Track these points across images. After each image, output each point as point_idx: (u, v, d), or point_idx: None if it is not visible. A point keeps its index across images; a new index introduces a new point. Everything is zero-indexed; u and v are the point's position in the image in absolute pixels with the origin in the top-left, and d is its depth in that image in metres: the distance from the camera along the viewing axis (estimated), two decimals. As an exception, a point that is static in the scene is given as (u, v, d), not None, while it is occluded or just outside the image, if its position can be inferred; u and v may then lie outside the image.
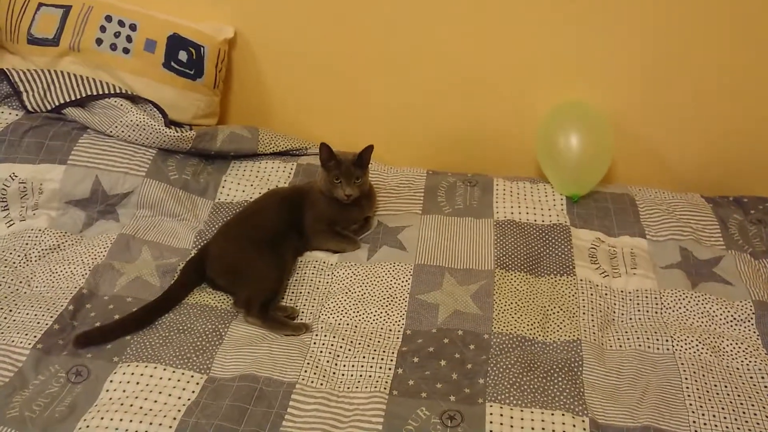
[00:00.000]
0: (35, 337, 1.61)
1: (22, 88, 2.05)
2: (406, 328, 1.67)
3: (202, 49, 2.16)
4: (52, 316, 1.66)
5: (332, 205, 1.91)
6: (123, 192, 1.99)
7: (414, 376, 1.54)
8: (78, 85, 2.06)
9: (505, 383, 1.50)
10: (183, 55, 2.13)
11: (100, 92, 2.06)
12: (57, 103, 2.04)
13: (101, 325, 1.66)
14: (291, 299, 1.78)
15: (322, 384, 1.53)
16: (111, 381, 1.51)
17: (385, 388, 1.50)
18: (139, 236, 1.93)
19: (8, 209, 1.96)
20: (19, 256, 1.85)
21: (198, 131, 2.10)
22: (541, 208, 2.01)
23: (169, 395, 1.49)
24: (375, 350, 1.60)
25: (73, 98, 2.04)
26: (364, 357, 1.59)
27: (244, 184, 2.10)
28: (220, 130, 2.17)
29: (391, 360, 1.58)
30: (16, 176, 1.95)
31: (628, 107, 2.18)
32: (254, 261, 1.77)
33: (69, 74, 2.08)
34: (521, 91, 2.22)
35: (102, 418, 1.42)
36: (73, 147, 2.00)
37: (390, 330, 1.67)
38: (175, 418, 1.43)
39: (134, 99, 2.08)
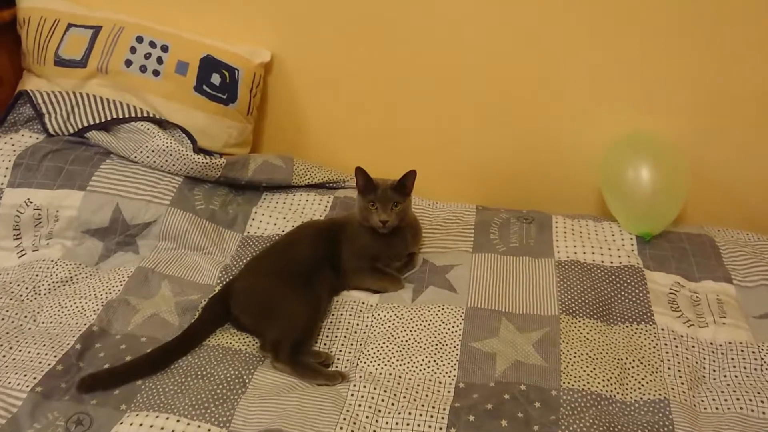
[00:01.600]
0: (35, 378, 1.41)
1: (44, 110, 1.92)
2: (458, 381, 1.43)
3: (236, 72, 2.02)
4: (56, 356, 1.47)
5: (373, 238, 1.71)
6: (145, 222, 1.82)
7: (470, 438, 1.30)
8: (103, 108, 1.93)
9: (581, 450, 1.25)
10: (216, 78, 1.99)
11: (126, 116, 1.93)
12: (80, 126, 1.91)
13: (110, 368, 1.46)
14: (325, 344, 1.56)
15: (360, 445, 1.30)
16: (116, 432, 1.30)
17: (436, 452, 1.27)
18: (159, 270, 1.74)
19: (21, 238, 1.80)
20: (27, 288, 1.68)
21: (228, 159, 1.94)
22: (609, 247, 1.78)
23: (182, 452, 1.27)
24: (423, 405, 1.37)
25: (97, 121, 1.91)
26: (410, 413, 1.35)
27: (276, 217, 1.91)
28: (252, 158, 2.01)
29: (443, 418, 1.34)
30: (31, 202, 1.80)
31: (697, 139, 1.97)
32: (285, 298, 1.56)
33: (94, 97, 1.95)
34: (580, 120, 2.02)
35: (102, 479, 1.21)
36: (94, 172, 1.85)
37: (440, 382, 1.43)
38: (186, 481, 1.21)
39: (162, 124, 1.94)
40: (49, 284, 1.69)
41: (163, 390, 1.40)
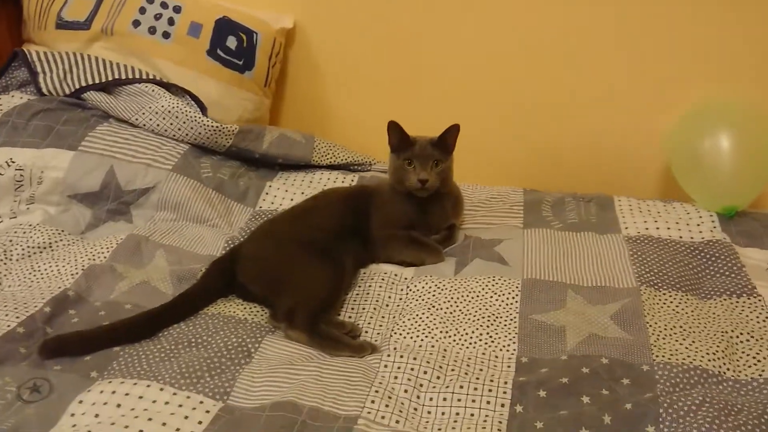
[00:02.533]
0: (-12, 339, 1.13)
1: (39, 69, 1.71)
2: (520, 355, 1.13)
3: (254, 35, 1.82)
4: (18, 318, 1.18)
5: (408, 204, 1.44)
6: (142, 187, 1.56)
7: (543, 416, 0.98)
8: (104, 69, 1.72)
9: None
10: (232, 42, 1.79)
11: (130, 77, 1.71)
12: (77, 87, 1.70)
13: (81, 331, 1.17)
14: (350, 317, 1.27)
15: (398, 421, 0.99)
16: (80, 402, 1.00)
17: (498, 430, 0.96)
18: (155, 239, 1.48)
19: (-2, 203, 1.55)
20: (-4, 252, 1.42)
21: (242, 127, 1.70)
22: (687, 224, 1.50)
23: (163, 424, 0.96)
24: (478, 379, 1.07)
25: (97, 82, 1.70)
26: (461, 387, 1.05)
27: (293, 192, 1.66)
28: (268, 130, 1.77)
29: (504, 393, 1.03)
30: (13, 162, 1.56)
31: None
32: (301, 263, 1.29)
33: (96, 58, 1.75)
34: (638, 97, 1.79)
35: (54, 450, 0.91)
36: (88, 133, 1.62)
37: (496, 357, 1.13)
38: (166, 456, 0.91)
39: (169, 88, 1.73)
40: (23, 249, 1.43)
41: (146, 357, 1.11)
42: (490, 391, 1.04)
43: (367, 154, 1.86)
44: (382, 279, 1.36)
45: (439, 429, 0.98)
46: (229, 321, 1.22)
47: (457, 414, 1.01)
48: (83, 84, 1.70)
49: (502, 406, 1.01)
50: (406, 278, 1.37)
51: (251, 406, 1.01)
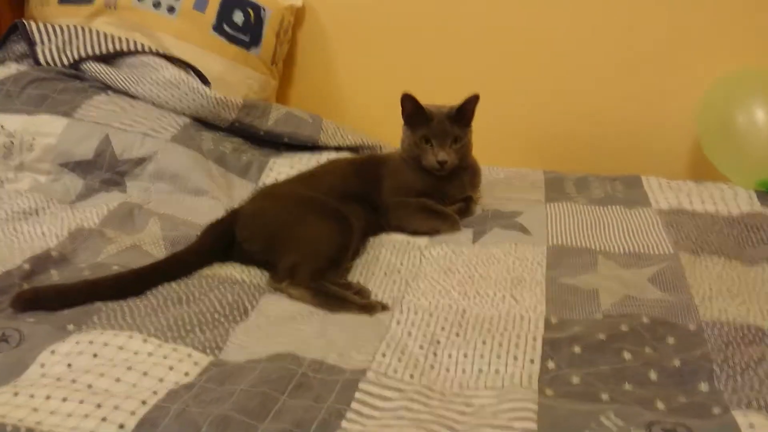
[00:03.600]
0: (-45, 292, 1.02)
1: (37, 39, 1.64)
2: (549, 315, 1.01)
3: (262, 11, 1.75)
4: (-8, 273, 1.09)
5: (421, 173, 1.34)
6: (138, 157, 1.47)
7: (579, 371, 0.86)
8: (105, 41, 1.65)
9: (754, 388, 0.81)
10: (239, 17, 1.72)
11: (132, 50, 1.64)
12: (76, 58, 1.62)
13: (60, 284, 1.06)
14: (357, 281, 1.15)
15: (412, 376, 0.86)
16: (52, 352, 0.88)
17: (528, 386, 0.83)
18: (150, 208, 1.37)
19: (-15, 173, 1.46)
20: (-22, 214, 1.32)
21: (246, 101, 1.62)
22: (722, 198, 1.39)
23: (145, 374, 0.84)
24: (502, 335, 0.94)
25: (96, 54, 1.63)
26: (484, 343, 0.93)
27: (299, 169, 1.55)
28: (274, 107, 1.68)
29: (533, 349, 0.91)
30: (3, 129, 1.47)
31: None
32: (305, 218, 1.18)
33: (96, 30, 1.67)
34: (661, 69, 1.70)
35: (15, 394, 0.79)
36: (84, 102, 1.54)
37: (522, 317, 1.01)
38: (144, 402, 0.78)
39: (172, 61, 1.65)
40: (6, 214, 1.32)
41: (130, 311, 1.00)
42: (516, 346, 0.91)
43: (378, 139, 1.77)
44: (394, 246, 1.25)
45: (459, 383, 0.86)
46: (225, 281, 1.11)
47: (480, 371, 0.88)
48: (83, 55, 1.63)
49: (532, 362, 0.89)
50: (419, 246, 1.25)
51: (246, 359, 0.90)
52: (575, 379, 0.84)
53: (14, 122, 1.48)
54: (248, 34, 1.75)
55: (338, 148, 1.69)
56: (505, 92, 1.79)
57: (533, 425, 0.75)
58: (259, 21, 1.75)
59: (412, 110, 1.33)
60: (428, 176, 1.35)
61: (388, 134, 1.70)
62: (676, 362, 0.87)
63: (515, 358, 0.90)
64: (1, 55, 1.68)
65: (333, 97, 1.91)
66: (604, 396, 0.81)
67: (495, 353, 0.91)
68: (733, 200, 1.38)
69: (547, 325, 0.98)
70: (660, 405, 0.79)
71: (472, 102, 1.34)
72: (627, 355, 0.88)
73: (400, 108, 1.35)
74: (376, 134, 1.79)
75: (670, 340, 0.92)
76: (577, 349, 0.90)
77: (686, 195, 1.41)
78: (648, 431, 0.73)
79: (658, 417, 0.76)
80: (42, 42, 1.65)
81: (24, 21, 1.68)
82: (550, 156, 1.79)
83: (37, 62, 1.63)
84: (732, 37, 1.65)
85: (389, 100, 1.53)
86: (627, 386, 0.83)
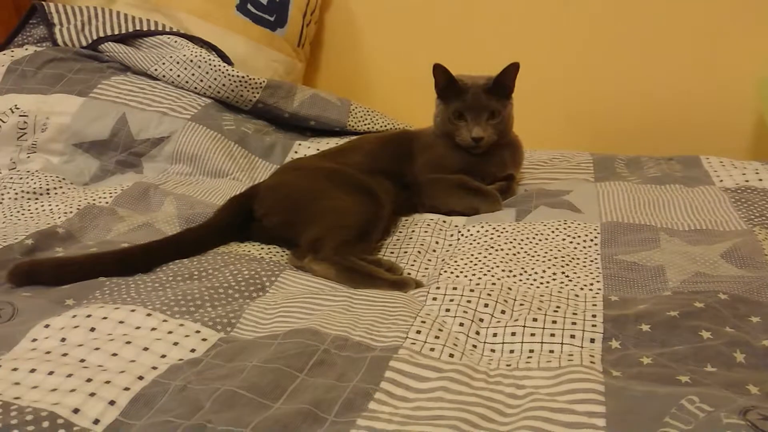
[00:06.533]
0: (-49, 264, 0.93)
1: (55, 20, 1.58)
2: (607, 294, 0.88)
3: (288, -11, 1.67)
4: (-8, 247, 1.00)
5: (456, 151, 1.23)
6: (155, 137, 1.39)
7: (650, 351, 0.73)
8: (125, 22, 1.58)
9: None
10: (264, -5, 1.65)
11: (151, 30, 1.57)
12: (94, 38, 1.56)
13: (61, 257, 0.97)
14: (390, 258, 1.04)
15: (452, 355, 0.74)
16: (46, 326, 0.78)
17: (590, 365, 0.70)
18: (166, 188, 1.28)
19: (-3, 154, 1.39)
20: (-15, 195, 1.25)
21: (270, 81, 1.53)
22: (796, 176, 1.25)
23: (145, 349, 0.74)
24: (556, 312, 0.82)
25: (115, 34, 1.56)
26: (535, 320, 0.80)
27: (323, 150, 1.46)
28: (300, 88, 1.59)
29: (594, 327, 0.78)
30: (17, 108, 1.41)
31: None
32: (329, 193, 1.07)
33: (115, 11, 1.61)
34: (716, 45, 1.56)
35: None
36: (101, 82, 1.47)
37: (576, 295, 0.88)
38: (141, 378, 0.68)
39: (193, 41, 1.57)
40: (15, 193, 1.25)
41: (136, 287, 0.90)
42: (574, 324, 0.79)
43: (409, 124, 1.66)
44: (428, 225, 1.13)
45: (508, 365, 0.73)
46: (242, 257, 1.00)
47: (531, 351, 0.76)
48: (101, 36, 1.56)
49: (592, 341, 0.76)
50: (456, 225, 1.13)
51: (260, 335, 0.79)
52: (646, 359, 0.71)
53: (28, 102, 1.42)
54: (273, 14, 1.66)
55: (367, 133, 1.59)
56: (544, 69, 1.67)
57: (599, 408, 0.62)
58: (285, 0, 1.66)
59: (445, 82, 1.22)
60: (465, 153, 1.23)
61: (421, 120, 1.59)
62: (766, 342, 0.73)
63: (572, 336, 0.77)
64: (20, 38, 1.63)
65: (362, 82, 1.81)
66: (684, 378, 0.67)
67: (548, 332, 0.78)
68: (808, 178, 1.24)
69: (607, 303, 0.85)
70: (753, 389, 0.66)
71: (511, 72, 1.22)
72: (706, 334, 0.75)
73: (433, 94, 1.24)
74: (408, 121, 1.69)
75: (755, 319, 0.78)
76: (645, 327, 0.77)
77: (754, 172, 1.26)
78: (743, 417, 0.60)
79: (752, 402, 0.63)
80: (60, 23, 1.59)
81: (42, 3, 1.62)
82: (595, 137, 1.66)
83: (55, 44, 1.58)
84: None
85: (421, 85, 1.43)
86: (710, 368, 0.70)
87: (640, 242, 1.01)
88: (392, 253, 1.06)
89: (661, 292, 0.87)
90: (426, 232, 1.11)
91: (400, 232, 1.12)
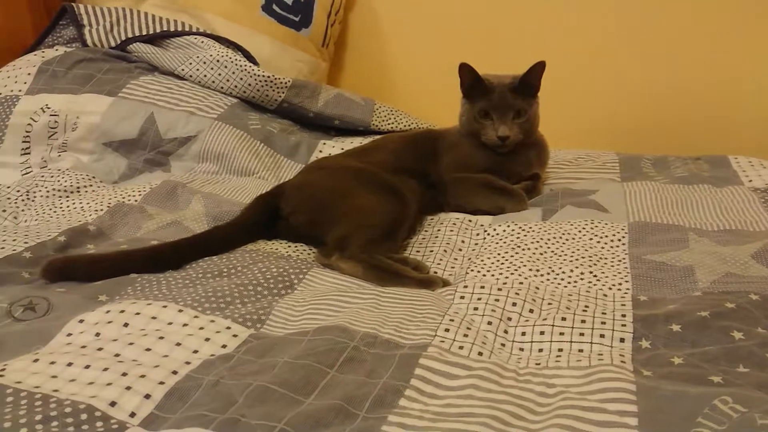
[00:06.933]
0: (-14, 260, 0.96)
1: (85, 22, 1.61)
2: (636, 293, 0.87)
3: (312, -11, 1.68)
4: (26, 243, 1.02)
5: (481, 150, 1.23)
6: (183, 136, 1.40)
7: (680, 351, 0.73)
8: (153, 23, 1.60)
9: None
10: (289, -4, 1.66)
11: (178, 30, 1.59)
12: (123, 39, 1.58)
13: (94, 254, 0.99)
14: (416, 257, 1.05)
15: (481, 354, 0.74)
16: (80, 321, 0.80)
17: (620, 365, 0.70)
18: (193, 186, 1.30)
19: (29, 152, 1.41)
20: (17, 191, 1.27)
21: (295, 81, 1.54)
22: (829, 176, 1.23)
23: (178, 344, 0.75)
24: (585, 311, 0.82)
25: (143, 35, 1.58)
26: (564, 320, 0.80)
27: (348, 149, 1.46)
28: (324, 88, 1.60)
29: (623, 326, 0.78)
30: (48, 108, 1.43)
31: None
32: (355, 191, 1.08)
33: (143, 12, 1.63)
34: (744, 40, 1.54)
35: (34, 361, 0.70)
36: (130, 82, 1.49)
37: (605, 295, 0.88)
38: (175, 372, 0.69)
39: (219, 41, 1.59)
40: (47, 191, 1.27)
41: (167, 283, 0.91)
42: (603, 323, 0.79)
43: (433, 123, 1.66)
44: (454, 224, 1.13)
45: (537, 364, 0.73)
46: (270, 255, 1.01)
47: (560, 350, 0.76)
48: (129, 36, 1.58)
49: (622, 341, 0.76)
50: (482, 224, 1.14)
51: (290, 332, 0.80)
52: (677, 359, 0.71)
53: (59, 101, 1.44)
54: (298, 14, 1.67)
55: (392, 133, 1.60)
56: (569, 68, 1.66)
57: (631, 407, 0.62)
58: (310, 0, 1.68)
59: (471, 81, 1.22)
60: (490, 152, 1.23)
61: (444, 120, 1.59)
62: (802, 344, 0.73)
63: (602, 336, 0.77)
64: (50, 39, 1.66)
65: (386, 83, 1.81)
66: (716, 378, 0.67)
67: (577, 331, 0.78)
68: (843, 178, 1.22)
69: (636, 302, 0.84)
70: (785, 389, 0.66)
71: (537, 70, 1.21)
72: (738, 335, 0.74)
73: (456, 93, 1.25)
74: (431, 120, 1.69)
75: (787, 320, 0.78)
76: (675, 328, 0.76)
77: (786, 173, 1.25)
78: (775, 418, 0.60)
79: (785, 403, 0.63)
80: (90, 24, 1.62)
81: (72, 4, 1.65)
82: (620, 137, 1.65)
83: (84, 44, 1.60)
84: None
85: (444, 84, 1.44)
86: (742, 368, 0.69)
87: (668, 242, 1.00)
88: (418, 252, 1.07)
89: (690, 292, 0.86)
90: (452, 231, 1.11)
91: (426, 231, 1.12)
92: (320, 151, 1.48)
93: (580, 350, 0.75)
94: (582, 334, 0.77)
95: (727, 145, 1.53)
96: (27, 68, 1.51)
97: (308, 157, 1.47)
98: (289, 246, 1.07)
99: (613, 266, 0.95)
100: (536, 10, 1.69)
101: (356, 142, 1.51)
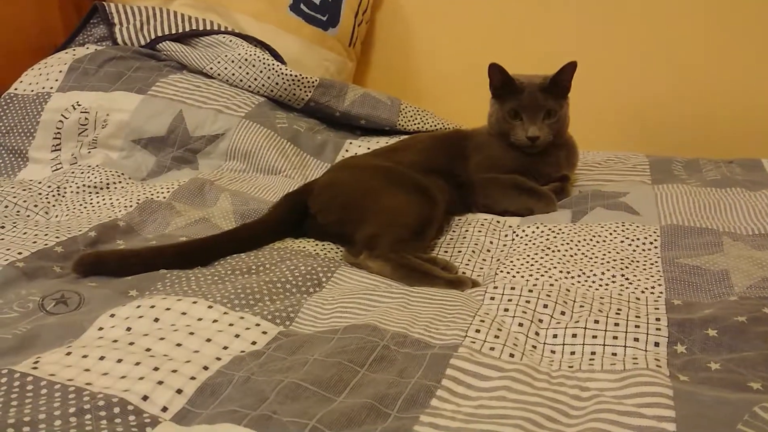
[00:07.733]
0: (20, 254, 0.96)
1: (116, 20, 1.63)
2: (670, 298, 0.86)
3: (340, -11, 1.68)
4: (58, 238, 1.03)
5: (510, 150, 1.22)
6: (211, 134, 1.41)
7: (718, 356, 0.71)
8: (182, 22, 1.62)
9: None
10: (317, -5, 1.66)
11: (207, 30, 1.60)
12: (152, 37, 1.60)
13: (125, 249, 1.00)
14: (444, 257, 1.04)
15: (512, 355, 0.74)
16: (112, 315, 0.81)
17: (656, 369, 0.69)
18: (221, 184, 1.31)
19: (60, 149, 1.43)
20: (49, 187, 1.28)
21: (322, 80, 1.54)
22: None
23: (208, 340, 0.75)
24: (618, 314, 0.80)
25: (173, 33, 1.59)
26: (597, 322, 0.79)
27: (375, 149, 1.46)
28: (351, 87, 1.60)
29: (658, 330, 0.77)
30: (79, 105, 1.45)
31: None
32: (384, 190, 1.07)
33: (173, 11, 1.65)
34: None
35: (67, 354, 0.71)
36: (159, 80, 1.50)
37: (637, 298, 0.86)
38: (206, 368, 0.69)
39: (247, 40, 1.60)
40: (77, 187, 1.29)
41: (196, 279, 0.91)
42: (637, 327, 0.77)
43: (459, 124, 1.65)
44: (482, 225, 1.12)
45: (570, 366, 0.72)
46: (298, 253, 1.01)
47: (593, 353, 0.75)
48: (159, 35, 1.60)
49: (656, 345, 0.75)
50: (510, 226, 1.13)
51: (319, 329, 0.79)
52: (714, 365, 0.69)
53: (89, 99, 1.46)
54: (326, 14, 1.68)
55: (418, 133, 1.59)
56: (600, 69, 1.64)
57: (669, 412, 0.61)
58: (338, 0, 1.68)
59: (500, 82, 1.21)
60: (519, 153, 1.22)
61: (471, 120, 1.58)
62: None
63: (636, 339, 0.76)
64: (81, 37, 1.68)
65: (412, 82, 1.81)
66: (755, 385, 0.66)
67: (610, 334, 0.77)
68: None
69: (669, 306, 0.83)
70: (829, 398, 0.64)
71: (568, 71, 1.20)
72: (776, 341, 0.73)
73: (484, 93, 1.24)
74: (458, 120, 1.68)
75: (829, 327, 0.76)
76: (712, 332, 0.75)
77: (821, 177, 1.22)
78: (822, 427, 0.58)
79: (830, 412, 0.61)
80: (120, 23, 1.63)
81: (103, 3, 1.67)
82: (651, 139, 1.63)
83: (115, 43, 1.62)
84: None
85: (472, 86, 1.43)
86: (781, 375, 0.68)
87: (702, 246, 0.98)
88: (446, 252, 1.06)
89: (726, 296, 0.84)
90: (480, 231, 1.10)
91: (454, 231, 1.12)
92: (346, 151, 1.48)
93: (614, 354, 0.74)
94: (615, 338, 0.76)
95: (760, 148, 1.51)
96: (58, 66, 1.54)
97: (334, 156, 1.47)
98: (317, 244, 1.07)
99: (645, 269, 0.94)
100: (566, 9, 1.68)
101: (382, 141, 1.50)
